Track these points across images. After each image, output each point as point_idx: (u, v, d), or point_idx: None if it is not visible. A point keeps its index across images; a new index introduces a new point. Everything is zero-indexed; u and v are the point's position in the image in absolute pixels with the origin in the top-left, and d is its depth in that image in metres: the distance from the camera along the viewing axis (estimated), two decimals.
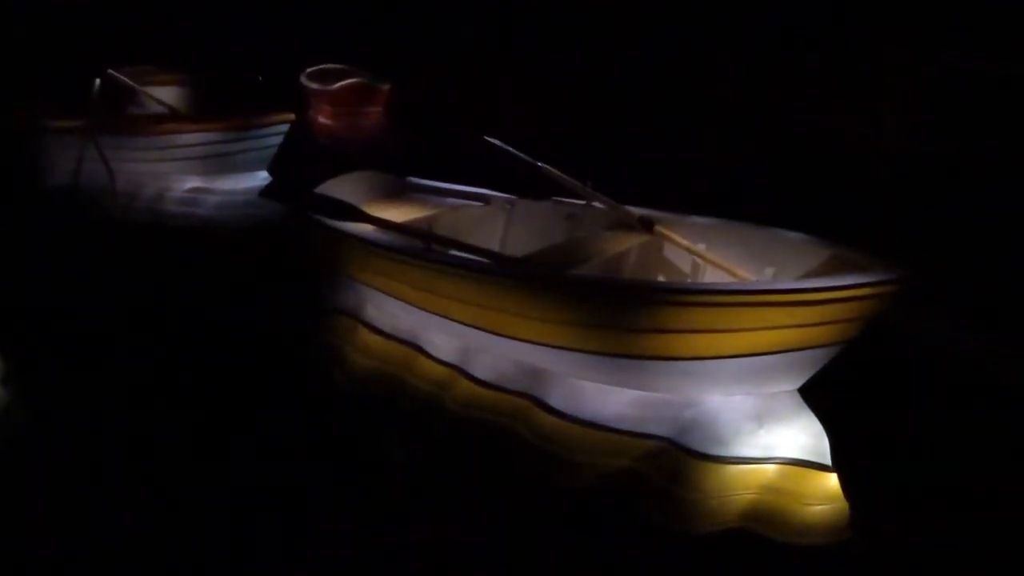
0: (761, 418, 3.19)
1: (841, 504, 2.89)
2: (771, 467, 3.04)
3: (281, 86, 12.04)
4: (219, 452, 3.29)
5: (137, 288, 5.24)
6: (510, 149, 4.48)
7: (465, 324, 3.85)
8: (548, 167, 4.37)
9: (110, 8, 12.58)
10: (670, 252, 4.20)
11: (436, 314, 3.97)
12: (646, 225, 4.18)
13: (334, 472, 3.15)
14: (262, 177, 8.12)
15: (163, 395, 3.78)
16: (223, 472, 3.16)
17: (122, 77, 8.46)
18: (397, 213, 4.74)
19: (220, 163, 8.01)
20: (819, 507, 2.89)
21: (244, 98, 9.56)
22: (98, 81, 8.05)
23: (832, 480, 2.98)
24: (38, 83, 9.54)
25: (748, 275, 3.81)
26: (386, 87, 12.70)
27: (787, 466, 3.04)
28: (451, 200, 5.08)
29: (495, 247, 4.62)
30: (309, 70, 13.00)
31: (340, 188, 4.75)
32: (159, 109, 8.63)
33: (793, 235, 3.77)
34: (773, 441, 3.12)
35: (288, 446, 3.33)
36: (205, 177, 8.03)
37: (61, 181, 8.11)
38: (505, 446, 3.33)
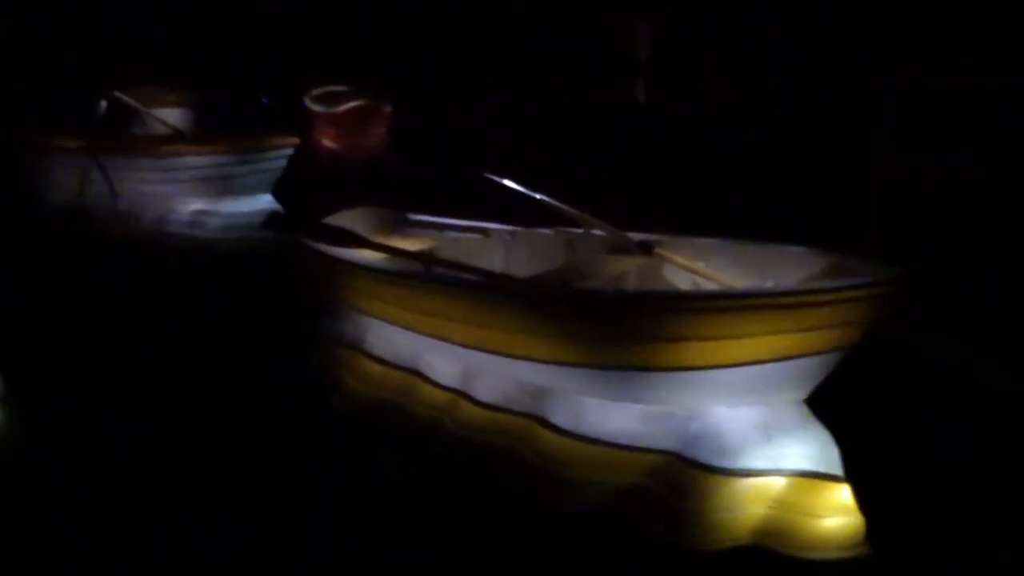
0: (768, 429, 3.12)
1: (855, 517, 2.83)
2: (780, 479, 2.97)
3: (285, 108, 12.15)
4: (217, 479, 3.25)
5: (136, 309, 5.24)
6: (508, 182, 4.50)
7: (465, 346, 3.81)
8: (547, 198, 4.38)
9: (116, 28, 12.72)
10: (670, 273, 4.19)
11: (436, 337, 3.93)
12: (645, 248, 4.19)
13: (334, 499, 3.10)
14: (266, 200, 8.13)
15: (158, 421, 3.75)
16: (219, 499, 3.12)
17: (127, 99, 8.52)
18: (397, 246, 4.75)
19: (224, 185, 8.02)
20: (832, 520, 2.82)
21: (249, 120, 9.63)
22: (104, 102, 8.12)
23: (844, 492, 2.90)
24: (43, 102, 9.62)
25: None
26: (388, 108, 12.79)
27: (797, 478, 2.97)
28: (451, 233, 5.12)
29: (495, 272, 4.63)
30: (313, 92, 13.10)
31: (340, 223, 4.77)
32: (164, 130, 8.68)
33: (792, 248, 3.76)
34: (781, 452, 3.04)
35: (285, 474, 3.28)
36: (209, 199, 8.04)
37: (64, 200, 8.15)
38: (508, 467, 3.28)
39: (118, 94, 8.40)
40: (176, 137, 8.50)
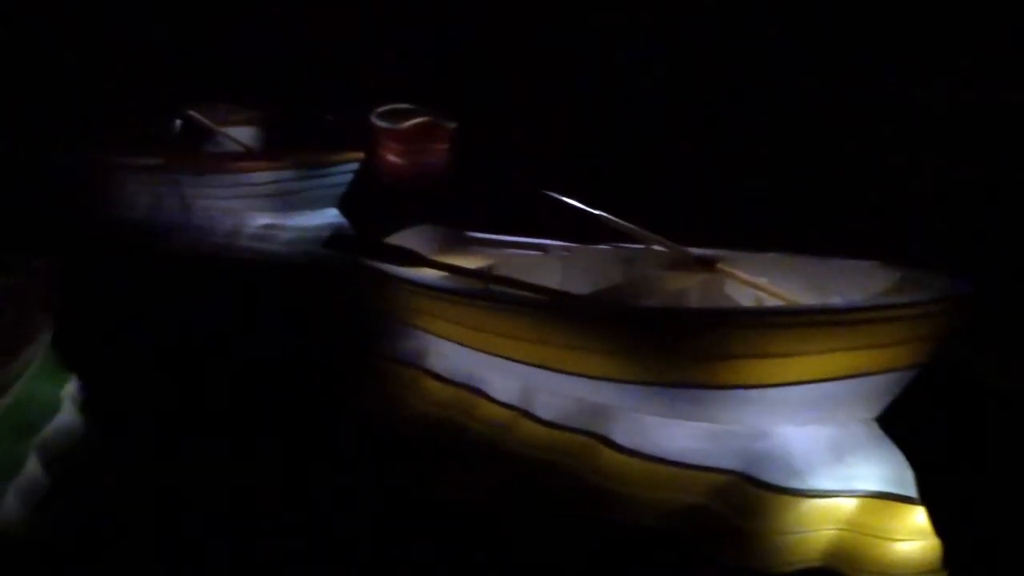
0: (837, 449, 3.03)
1: (931, 540, 2.70)
2: (851, 501, 2.87)
3: (351, 125, 12.40)
4: (267, 501, 3.29)
5: (203, 321, 5.37)
6: (567, 200, 4.47)
7: (525, 363, 3.81)
8: (606, 214, 4.33)
9: (190, 49, 13.18)
10: (732, 289, 4.10)
11: (496, 355, 3.95)
12: (707, 263, 4.13)
13: (392, 518, 3.11)
14: (331, 214, 8.30)
15: (220, 432, 3.82)
16: (275, 516, 3.15)
17: (201, 117, 8.82)
18: (456, 265, 4.78)
19: (291, 200, 8.22)
20: (907, 543, 2.71)
21: (316, 137, 9.86)
22: (179, 121, 8.42)
23: (919, 514, 2.79)
24: (122, 122, 10.01)
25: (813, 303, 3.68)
26: (452, 125, 12.94)
27: (869, 499, 2.87)
28: (509, 251, 5.12)
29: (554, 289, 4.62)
30: (379, 110, 13.36)
31: (400, 242, 4.83)
32: (235, 147, 8.94)
33: (857, 262, 3.66)
34: (852, 473, 2.95)
35: (343, 492, 3.29)
36: (277, 214, 8.25)
37: (138, 216, 8.46)
38: (570, 485, 3.24)
39: (191, 113, 8.70)
40: (245, 154, 8.76)
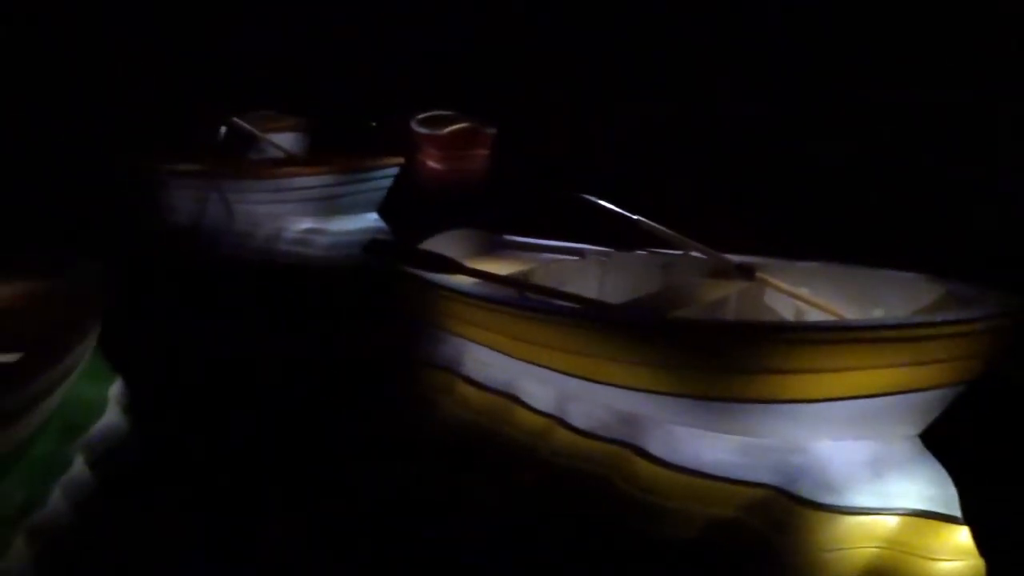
0: (878, 465, 2.98)
1: (975, 561, 2.63)
2: (892, 518, 2.81)
3: (392, 131, 12.53)
4: (305, 497, 3.32)
5: (245, 324, 5.45)
6: (606, 204, 4.45)
7: (562, 372, 3.80)
8: (644, 220, 4.31)
9: (235, 58, 13.41)
10: (772, 298, 4.06)
11: (532, 363, 3.95)
12: (746, 272, 4.07)
13: (424, 521, 3.12)
14: (372, 219, 8.39)
15: (260, 433, 3.88)
16: (307, 516, 3.19)
17: (244, 124, 8.97)
18: (494, 269, 4.78)
19: (332, 205, 8.32)
20: (950, 564, 2.64)
21: (357, 142, 9.97)
22: (223, 128, 8.58)
23: (963, 533, 2.72)
24: (168, 129, 10.24)
25: (855, 316, 3.63)
26: (492, 131, 13.00)
27: (910, 517, 2.80)
28: (546, 255, 5.12)
29: (591, 298, 4.60)
30: (420, 116, 13.49)
31: (436, 247, 4.85)
32: (277, 154, 9.08)
33: (902, 274, 3.59)
34: (893, 490, 2.89)
35: (376, 494, 3.32)
36: (318, 218, 8.36)
37: (184, 220, 8.64)
38: (604, 495, 3.23)
39: (236, 120, 8.86)
40: (288, 160, 8.89)
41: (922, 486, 2.91)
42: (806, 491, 2.97)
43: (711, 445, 3.32)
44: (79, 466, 3.46)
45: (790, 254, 4.18)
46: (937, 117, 10.35)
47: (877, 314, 3.60)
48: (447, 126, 12.82)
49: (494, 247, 5.37)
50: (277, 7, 14.77)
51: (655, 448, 3.41)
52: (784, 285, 3.92)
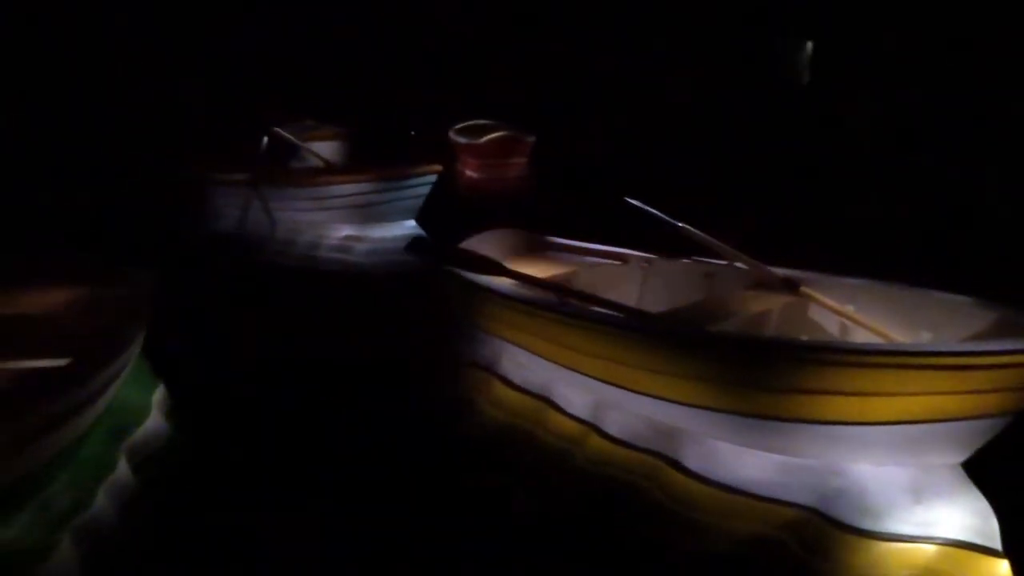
0: (918, 492, 2.92)
1: None
2: (930, 547, 2.76)
3: (431, 140, 12.64)
4: (344, 496, 3.37)
5: (286, 329, 5.54)
6: (650, 209, 4.41)
7: (599, 380, 3.79)
8: (688, 227, 4.26)
9: (276, 69, 13.63)
10: (816, 314, 3.98)
11: (570, 369, 3.94)
12: (790, 285, 4.01)
13: (458, 522, 3.15)
14: (410, 226, 8.46)
15: (297, 436, 3.94)
16: (346, 514, 3.23)
17: (286, 134, 9.11)
18: (533, 271, 4.77)
19: (371, 212, 8.41)
20: None
21: (395, 151, 10.07)
22: (265, 138, 8.73)
23: (1003, 567, 2.66)
24: (212, 139, 10.44)
25: (902, 338, 3.54)
26: (530, 139, 13.04)
27: (949, 547, 2.75)
28: (588, 258, 5.10)
29: (631, 305, 4.56)
30: (458, 125, 13.57)
31: (478, 246, 4.86)
32: (317, 163, 9.22)
33: (954, 297, 3.48)
34: (932, 518, 2.84)
35: (413, 494, 3.36)
36: (357, 226, 8.46)
37: (227, 228, 8.80)
38: (636, 506, 3.22)
39: (277, 129, 9.00)
40: (327, 168, 9.01)
41: (963, 516, 2.85)
42: (843, 514, 2.93)
43: (748, 462, 3.28)
44: (123, 469, 3.54)
45: (839, 269, 4.10)
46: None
47: (926, 337, 3.51)
48: (485, 135, 12.88)
49: (536, 247, 5.35)
50: (324, 20, 15.00)
51: (690, 461, 3.38)
52: (829, 301, 3.83)
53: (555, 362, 4.03)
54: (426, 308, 5.44)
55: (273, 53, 14.22)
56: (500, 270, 4.11)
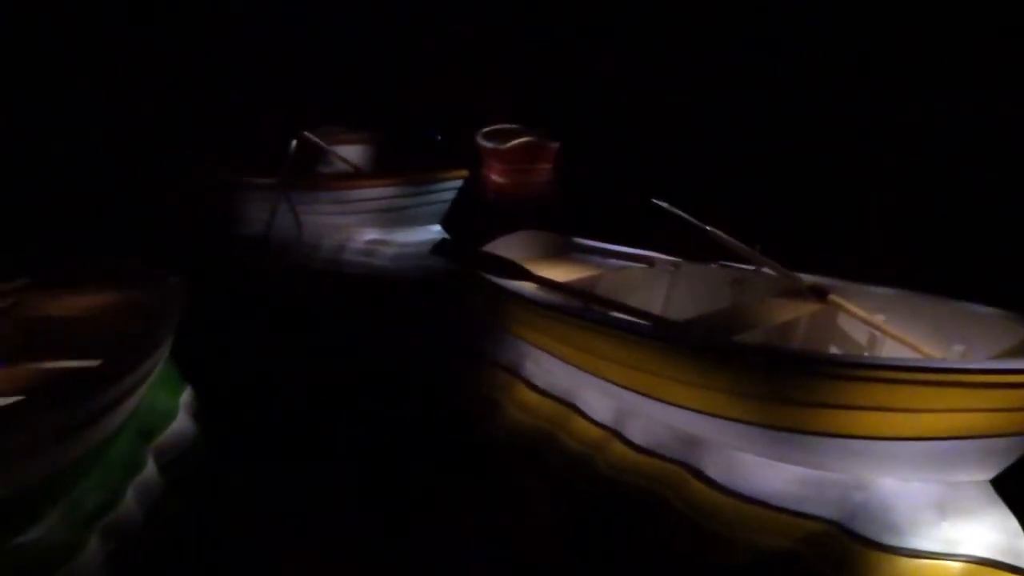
0: (944, 509, 2.87)
1: None
2: (955, 564, 2.72)
3: (457, 144, 12.69)
4: (370, 497, 3.40)
5: (312, 330, 5.59)
6: (677, 211, 4.37)
7: (623, 386, 3.77)
8: (716, 231, 4.22)
9: (305, 76, 13.76)
10: (845, 323, 3.93)
11: (594, 375, 3.93)
12: (819, 293, 3.96)
13: (481, 523, 3.16)
14: (435, 231, 8.50)
15: (324, 437, 3.97)
16: (369, 514, 3.26)
17: (314, 138, 9.19)
18: (560, 273, 4.76)
19: (397, 217, 8.46)
20: None
21: (422, 155, 10.12)
22: (294, 142, 8.81)
23: None
24: (241, 143, 10.56)
25: (933, 352, 3.48)
26: (555, 144, 13.04)
27: (975, 565, 2.71)
28: (614, 261, 5.07)
29: (657, 310, 4.53)
30: (484, 130, 13.62)
31: (505, 247, 4.87)
32: (345, 167, 9.29)
33: (987, 310, 3.42)
34: (958, 536, 2.79)
35: (438, 496, 3.38)
36: (383, 230, 8.51)
37: (255, 231, 8.90)
38: (656, 514, 3.21)
39: (305, 133, 9.09)
40: (354, 173, 9.08)
41: (990, 533, 2.80)
42: (867, 529, 2.90)
43: (770, 473, 3.25)
44: (151, 469, 3.59)
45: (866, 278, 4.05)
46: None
47: (957, 351, 3.45)
48: (511, 139, 12.91)
49: (561, 249, 5.34)
50: (348, 24, 15.13)
51: (713, 471, 3.37)
52: (859, 311, 3.77)
53: (579, 367, 4.02)
54: (450, 311, 5.47)
55: (300, 58, 14.37)
56: (525, 274, 4.12)
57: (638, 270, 4.86)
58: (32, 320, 4.09)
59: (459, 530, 3.12)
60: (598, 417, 3.92)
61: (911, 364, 2.81)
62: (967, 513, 2.86)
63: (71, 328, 4.04)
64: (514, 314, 4.41)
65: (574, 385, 4.14)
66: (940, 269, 5.74)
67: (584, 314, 3.89)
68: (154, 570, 2.99)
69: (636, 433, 3.72)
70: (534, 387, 4.33)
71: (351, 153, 9.75)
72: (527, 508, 3.27)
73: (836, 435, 3.04)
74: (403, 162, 9.36)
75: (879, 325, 3.69)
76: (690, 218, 4.32)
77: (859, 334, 3.86)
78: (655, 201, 4.43)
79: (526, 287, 4.25)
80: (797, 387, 3.06)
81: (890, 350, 3.67)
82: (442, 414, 4.14)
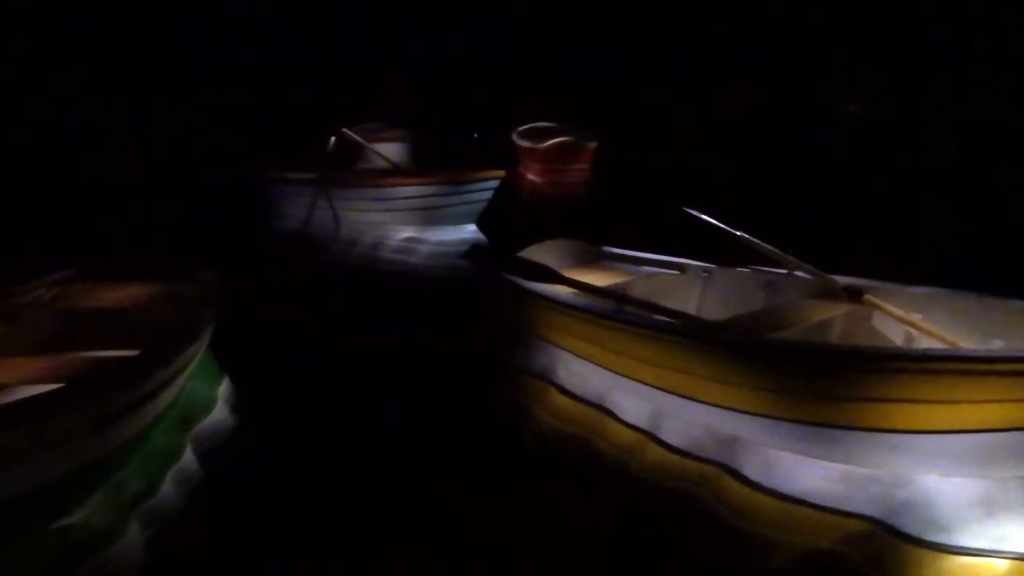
0: (989, 505, 2.78)
1: None
2: (1002, 561, 2.64)
3: (495, 144, 12.72)
4: (401, 494, 3.40)
5: (348, 328, 5.64)
6: (709, 219, 4.35)
7: (657, 388, 3.74)
8: (747, 236, 4.19)
9: (343, 74, 13.93)
10: (880, 322, 3.87)
11: (627, 377, 3.90)
12: (853, 294, 3.92)
13: (515, 531, 3.15)
14: (470, 230, 8.53)
15: (358, 431, 3.99)
16: (402, 513, 3.26)
17: (353, 135, 9.28)
18: (591, 280, 4.75)
19: (433, 215, 8.51)
20: None
21: (460, 154, 10.17)
22: (333, 138, 8.91)
23: None
24: (283, 139, 10.72)
25: (972, 347, 3.41)
26: (592, 145, 12.99)
27: (1021, 562, 2.62)
28: (646, 268, 5.05)
29: (691, 314, 4.51)
30: (521, 128, 13.60)
31: (537, 254, 4.88)
32: (383, 164, 9.37)
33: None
34: (1004, 532, 2.70)
35: (472, 505, 3.37)
36: (419, 228, 8.57)
37: (294, 226, 9.02)
38: (694, 516, 3.17)
39: (345, 130, 9.18)
40: (393, 170, 9.15)
41: None
42: (910, 527, 2.82)
43: (809, 472, 3.18)
44: (189, 457, 3.65)
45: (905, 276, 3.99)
46: None
47: (997, 345, 3.38)
48: (548, 138, 12.88)
49: (594, 258, 5.34)
50: (394, 27, 15.31)
51: (750, 471, 3.30)
52: (894, 309, 3.73)
53: (612, 370, 3.99)
54: (484, 314, 5.48)
55: (341, 58, 14.54)
56: (557, 278, 4.12)
57: (670, 276, 4.86)
58: (75, 311, 4.18)
59: (493, 539, 3.10)
60: (632, 420, 3.88)
61: (950, 354, 2.76)
62: (1013, 509, 2.77)
63: (112, 319, 4.12)
64: (546, 318, 4.40)
65: (607, 388, 4.10)
66: (980, 267, 5.61)
67: (617, 316, 3.88)
68: (189, 557, 3.03)
69: (671, 435, 3.67)
70: (566, 391, 4.29)
71: (389, 150, 9.85)
72: (561, 515, 3.24)
73: (876, 430, 2.98)
74: (440, 160, 9.41)
75: (915, 323, 3.65)
76: (721, 225, 4.29)
77: (895, 333, 3.81)
78: (685, 209, 4.41)
79: (558, 291, 4.25)
80: (835, 382, 3.01)
81: (928, 347, 3.59)
82: (474, 421, 4.13)
